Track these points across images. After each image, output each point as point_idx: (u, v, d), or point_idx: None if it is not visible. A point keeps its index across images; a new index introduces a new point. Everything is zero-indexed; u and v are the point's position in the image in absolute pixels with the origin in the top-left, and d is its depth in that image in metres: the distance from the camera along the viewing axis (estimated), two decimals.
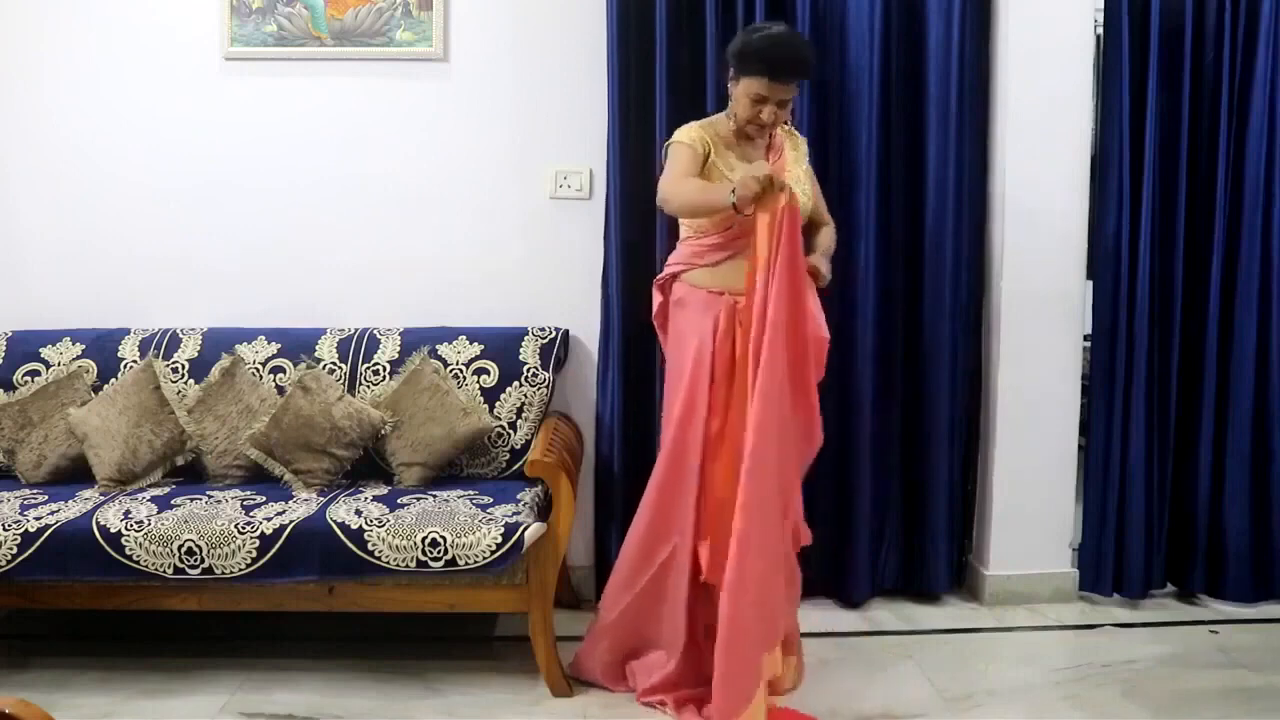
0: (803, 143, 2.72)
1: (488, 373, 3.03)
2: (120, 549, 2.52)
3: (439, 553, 2.51)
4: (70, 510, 2.64)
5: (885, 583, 3.23)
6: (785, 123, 2.64)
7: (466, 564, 2.51)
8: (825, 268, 2.58)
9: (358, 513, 2.60)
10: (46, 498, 2.74)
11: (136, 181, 3.23)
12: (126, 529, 2.54)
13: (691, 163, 2.52)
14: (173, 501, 2.69)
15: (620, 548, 2.82)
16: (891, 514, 3.21)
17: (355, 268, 3.23)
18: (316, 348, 3.07)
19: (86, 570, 2.54)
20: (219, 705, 2.57)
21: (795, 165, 2.62)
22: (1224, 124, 3.09)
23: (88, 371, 3.05)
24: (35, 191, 3.24)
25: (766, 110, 2.47)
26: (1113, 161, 3.09)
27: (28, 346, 3.11)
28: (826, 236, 2.73)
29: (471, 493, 2.79)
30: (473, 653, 2.88)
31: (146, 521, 2.56)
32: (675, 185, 2.51)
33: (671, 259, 2.67)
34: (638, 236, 3.06)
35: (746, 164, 2.54)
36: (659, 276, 2.69)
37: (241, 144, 3.22)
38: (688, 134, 2.57)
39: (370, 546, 2.52)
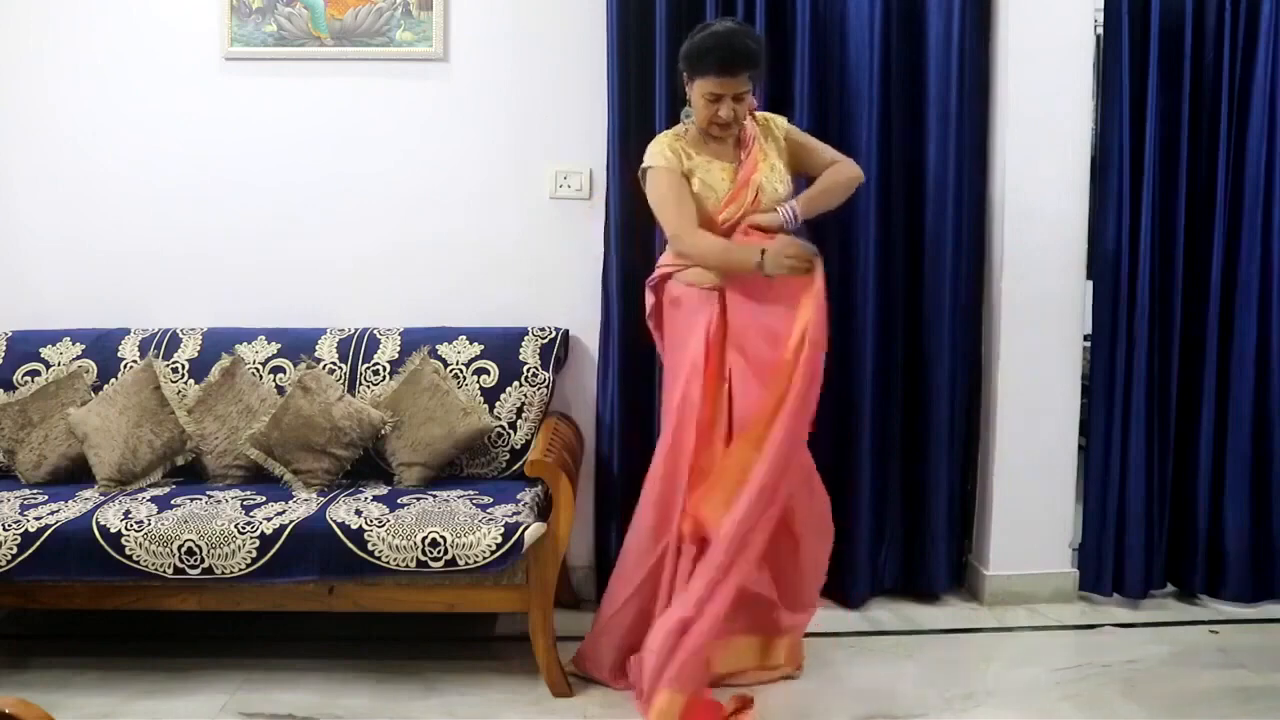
0: (776, 120, 2.68)
1: (488, 373, 3.03)
2: (120, 549, 2.52)
3: (439, 553, 2.51)
4: (70, 510, 2.64)
5: (885, 583, 3.23)
6: (752, 113, 2.62)
7: (466, 564, 2.51)
8: (768, 220, 2.54)
9: (358, 513, 2.60)
10: (46, 498, 2.75)
11: (137, 181, 3.23)
12: (126, 529, 2.54)
13: (679, 188, 2.52)
14: (173, 501, 2.69)
15: (620, 547, 2.82)
16: (891, 514, 3.21)
17: (355, 268, 3.24)
18: (316, 348, 3.07)
19: (86, 570, 2.54)
20: (219, 705, 2.57)
21: (770, 153, 2.59)
22: (1224, 124, 3.09)
23: (88, 371, 3.05)
24: (36, 191, 3.25)
25: (724, 108, 2.47)
26: (1113, 162, 3.09)
27: (28, 346, 3.11)
28: (823, 178, 2.65)
29: (471, 493, 2.79)
30: (473, 653, 2.88)
31: (146, 521, 2.56)
32: (690, 231, 2.50)
33: (662, 260, 2.67)
34: (638, 236, 3.05)
35: (719, 162, 2.55)
36: (650, 277, 2.69)
37: (242, 144, 3.22)
38: (660, 154, 2.55)
39: (370, 546, 2.52)
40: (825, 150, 2.73)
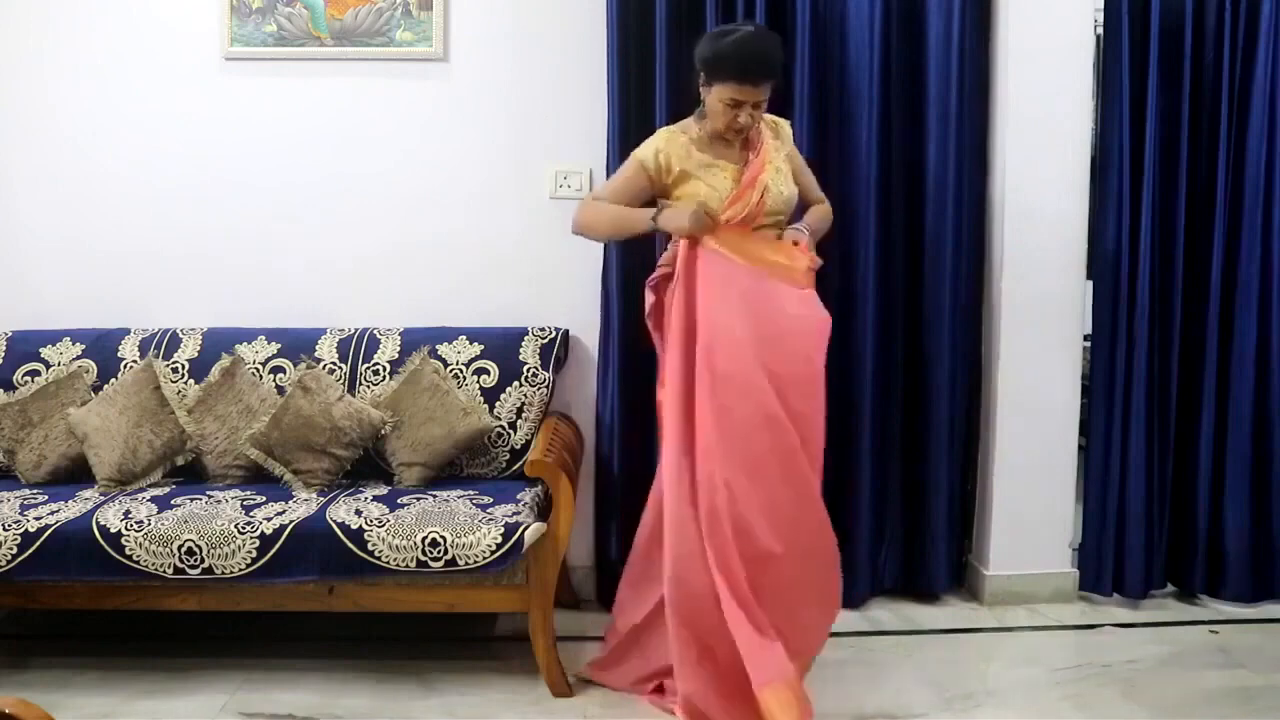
0: (785, 126, 2.67)
1: (488, 373, 3.03)
2: (120, 549, 2.52)
3: (439, 553, 2.51)
4: (70, 510, 2.64)
5: (885, 583, 3.23)
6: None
7: (466, 564, 2.51)
8: (805, 240, 2.55)
9: (358, 513, 2.60)
10: (46, 498, 2.75)
11: (137, 181, 3.23)
12: (126, 529, 2.54)
13: (632, 183, 2.56)
14: (173, 501, 2.69)
15: (620, 547, 2.82)
16: (891, 514, 3.21)
17: (355, 268, 3.24)
18: (316, 348, 3.07)
19: (86, 570, 2.54)
20: (219, 705, 2.57)
21: (776, 154, 2.58)
22: (1224, 124, 3.08)
23: (88, 371, 3.05)
24: (36, 191, 3.25)
25: (743, 114, 2.45)
26: (1113, 162, 3.09)
27: (28, 346, 3.11)
28: (815, 215, 2.71)
29: (471, 493, 2.79)
30: (473, 653, 2.88)
31: (146, 521, 2.56)
32: (591, 213, 2.60)
33: (663, 259, 2.65)
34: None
35: (722, 162, 2.53)
36: (651, 277, 2.67)
37: (242, 144, 3.22)
38: (647, 148, 2.56)
39: (370, 546, 2.52)
40: (816, 185, 2.76)
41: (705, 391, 2.40)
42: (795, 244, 2.53)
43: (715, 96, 2.46)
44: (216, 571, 2.53)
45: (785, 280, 2.50)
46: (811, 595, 2.50)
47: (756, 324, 2.43)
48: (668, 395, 2.50)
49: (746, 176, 2.50)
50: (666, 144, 2.55)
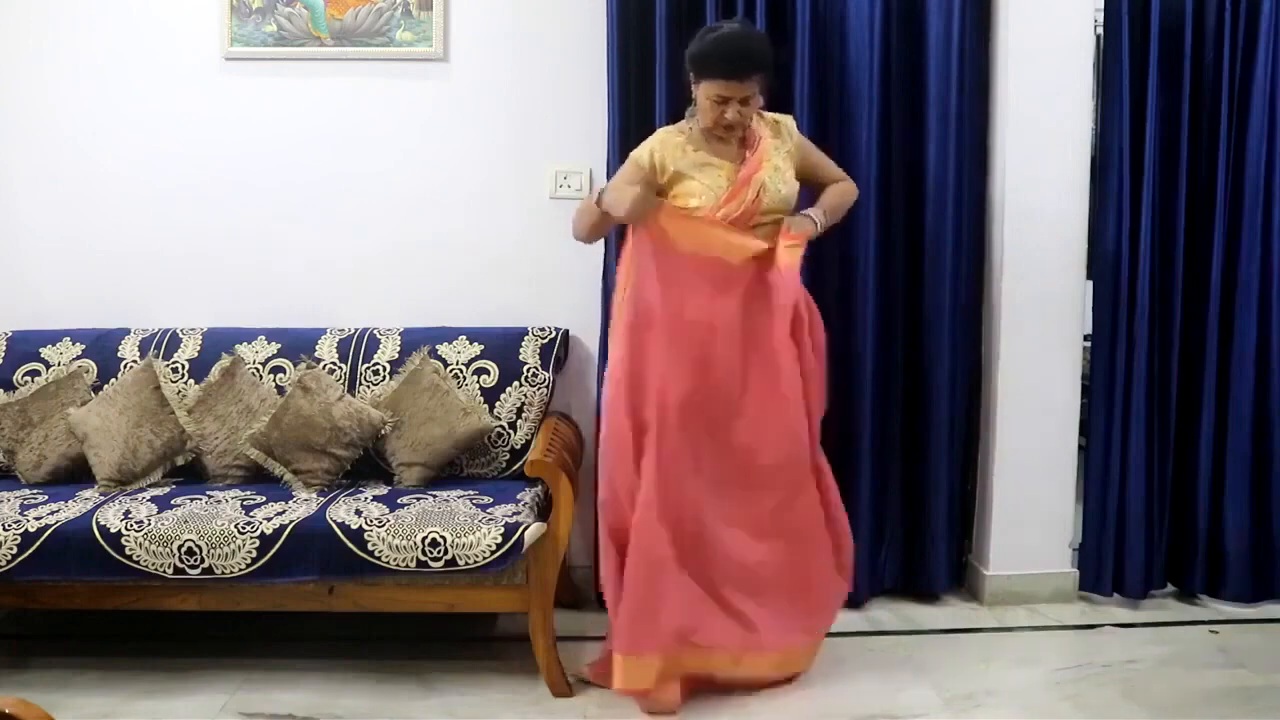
0: (786, 121, 2.67)
1: (488, 373, 3.03)
2: (120, 549, 2.52)
3: (439, 553, 2.51)
4: (70, 510, 2.64)
5: (885, 583, 3.23)
6: (760, 112, 2.60)
7: (466, 564, 2.51)
8: (802, 227, 2.56)
9: (358, 513, 2.60)
10: (46, 498, 2.75)
11: (137, 181, 3.23)
12: (126, 529, 2.54)
13: (631, 183, 2.56)
14: (173, 501, 2.69)
15: None
16: (891, 514, 3.21)
17: (355, 267, 3.24)
18: (316, 348, 3.07)
19: (86, 570, 2.54)
20: (219, 705, 2.57)
21: (775, 153, 2.58)
22: (1224, 124, 3.08)
23: (88, 371, 3.05)
24: (36, 191, 3.25)
25: (730, 110, 2.46)
26: (1113, 162, 3.09)
27: (28, 346, 3.11)
28: (832, 193, 2.71)
29: (471, 493, 2.79)
30: (473, 653, 2.88)
31: (146, 521, 2.56)
32: (575, 216, 2.68)
33: None
34: None
35: (719, 160, 2.54)
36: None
37: (241, 144, 3.22)
38: (643, 149, 2.58)
39: (370, 546, 2.52)
40: (833, 165, 2.76)
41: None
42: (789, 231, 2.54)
43: (703, 93, 2.49)
44: (216, 571, 2.53)
45: (742, 257, 2.51)
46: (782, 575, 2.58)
47: (709, 300, 2.50)
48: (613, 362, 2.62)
49: (742, 174, 2.52)
50: (661, 144, 2.56)
